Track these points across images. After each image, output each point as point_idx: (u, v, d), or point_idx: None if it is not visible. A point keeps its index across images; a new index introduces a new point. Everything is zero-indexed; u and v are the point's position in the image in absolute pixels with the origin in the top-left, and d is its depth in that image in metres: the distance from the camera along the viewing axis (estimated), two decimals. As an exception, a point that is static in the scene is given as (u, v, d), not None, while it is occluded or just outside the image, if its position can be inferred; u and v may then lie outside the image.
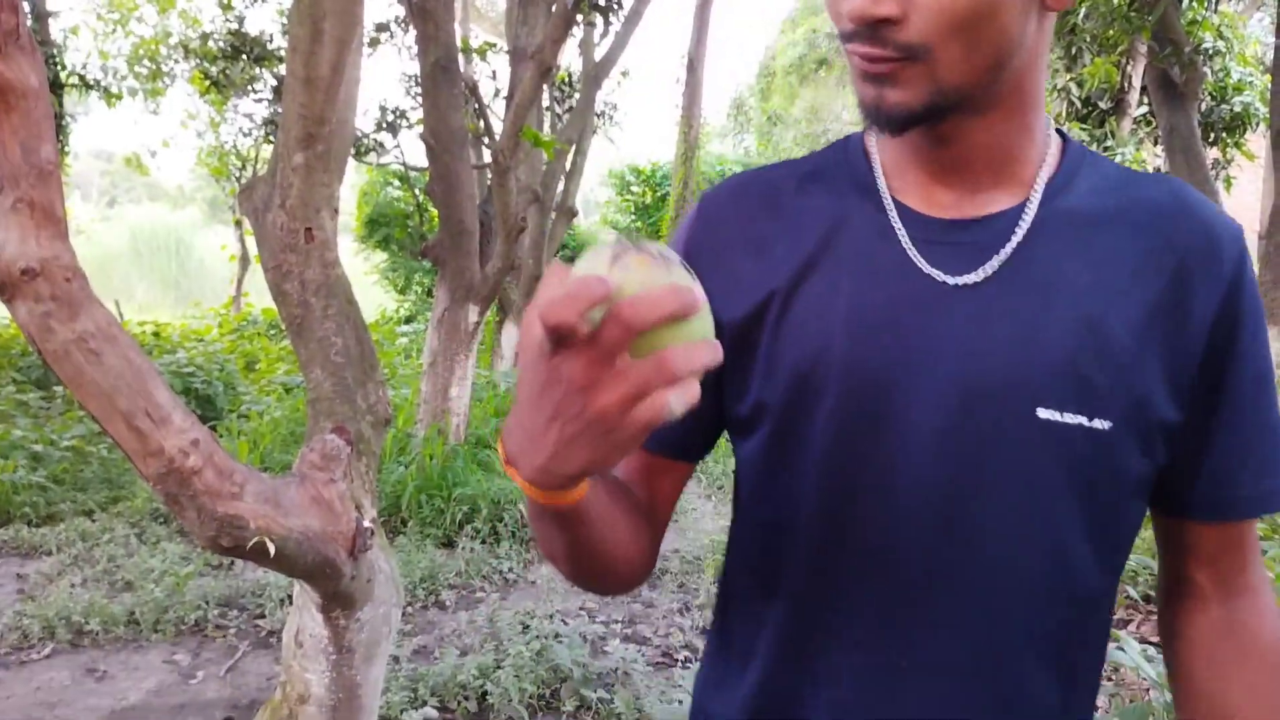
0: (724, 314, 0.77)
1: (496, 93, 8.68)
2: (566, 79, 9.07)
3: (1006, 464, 0.72)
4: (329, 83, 1.92)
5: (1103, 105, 9.22)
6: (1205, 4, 6.49)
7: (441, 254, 5.17)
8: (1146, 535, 4.08)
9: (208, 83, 10.91)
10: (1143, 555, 3.81)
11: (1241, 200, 10.25)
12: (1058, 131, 0.82)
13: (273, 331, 12.59)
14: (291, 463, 6.04)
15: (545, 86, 6.22)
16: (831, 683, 0.77)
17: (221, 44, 10.29)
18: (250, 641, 3.63)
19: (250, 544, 1.43)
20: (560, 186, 8.26)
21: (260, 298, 16.18)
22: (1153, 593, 3.68)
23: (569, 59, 9.79)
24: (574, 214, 9.15)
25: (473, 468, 5.20)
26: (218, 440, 1.37)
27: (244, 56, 9.69)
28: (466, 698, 3.08)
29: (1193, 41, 6.27)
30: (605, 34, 8.25)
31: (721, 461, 6.22)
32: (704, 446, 0.87)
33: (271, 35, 9.72)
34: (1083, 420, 0.71)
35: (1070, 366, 0.71)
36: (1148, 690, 3.02)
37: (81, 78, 10.37)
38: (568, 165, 8.31)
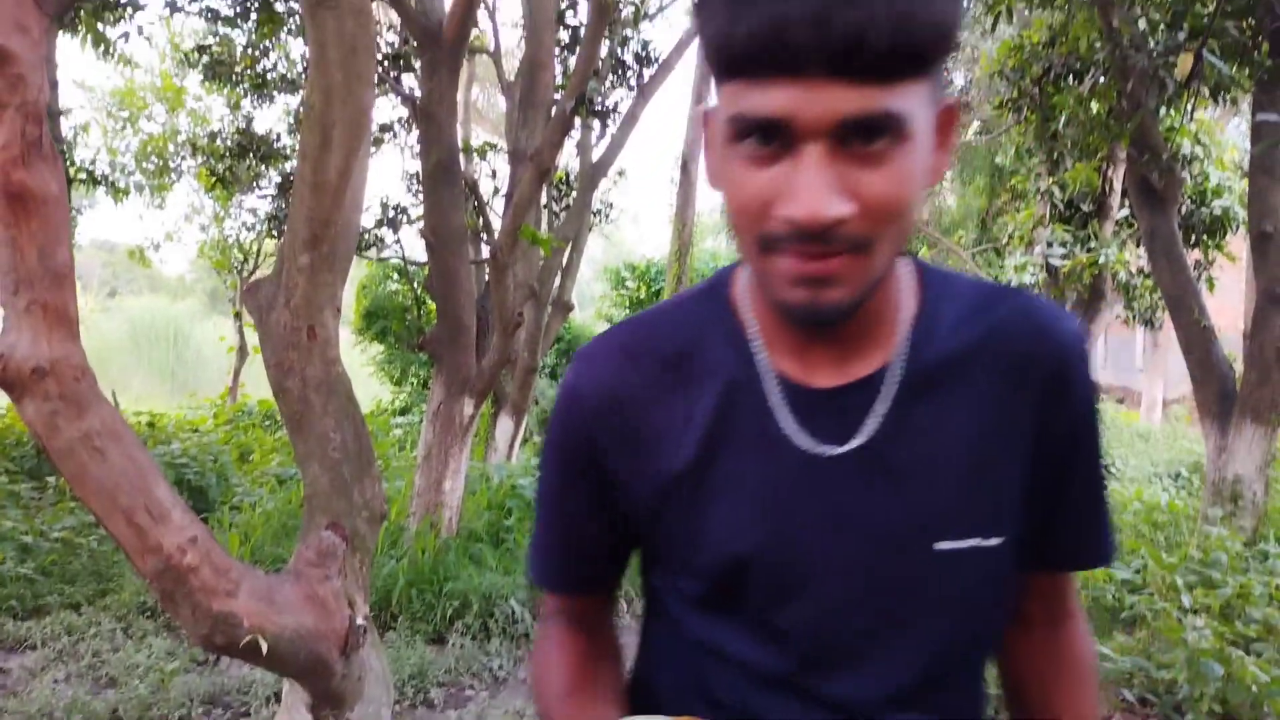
0: (634, 493, 0.84)
1: (495, 191, 8.89)
2: (564, 178, 9.30)
3: (913, 598, 0.80)
4: (336, 188, 2.00)
5: (1085, 208, 9.44)
6: (1182, 112, 6.71)
7: (439, 347, 5.23)
8: (1141, 636, 4.05)
9: (214, 179, 11.15)
10: (1136, 657, 3.78)
11: (1225, 300, 10.42)
12: (909, 254, 0.86)
13: (268, 422, 12.57)
14: (283, 556, 5.99)
15: (543, 186, 6.38)
16: None
17: (229, 142, 10.55)
18: (234, 741, 3.56)
19: (243, 642, 1.44)
20: (556, 282, 8.39)
21: (256, 388, 16.21)
22: (1149, 696, 3.64)
23: (567, 159, 10.05)
24: (570, 308, 9.28)
25: (464, 562, 5.17)
26: (214, 537, 1.39)
27: (251, 154, 9.93)
28: (453, 801, 3.02)
29: (1171, 148, 6.47)
30: (602, 136, 8.50)
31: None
32: (619, 577, 0.97)
33: (279, 134, 9.97)
34: (978, 541, 0.79)
35: (962, 503, 0.79)
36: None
37: (90, 173, 10.59)
38: (564, 261, 8.46)
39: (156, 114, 13.62)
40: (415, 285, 11.19)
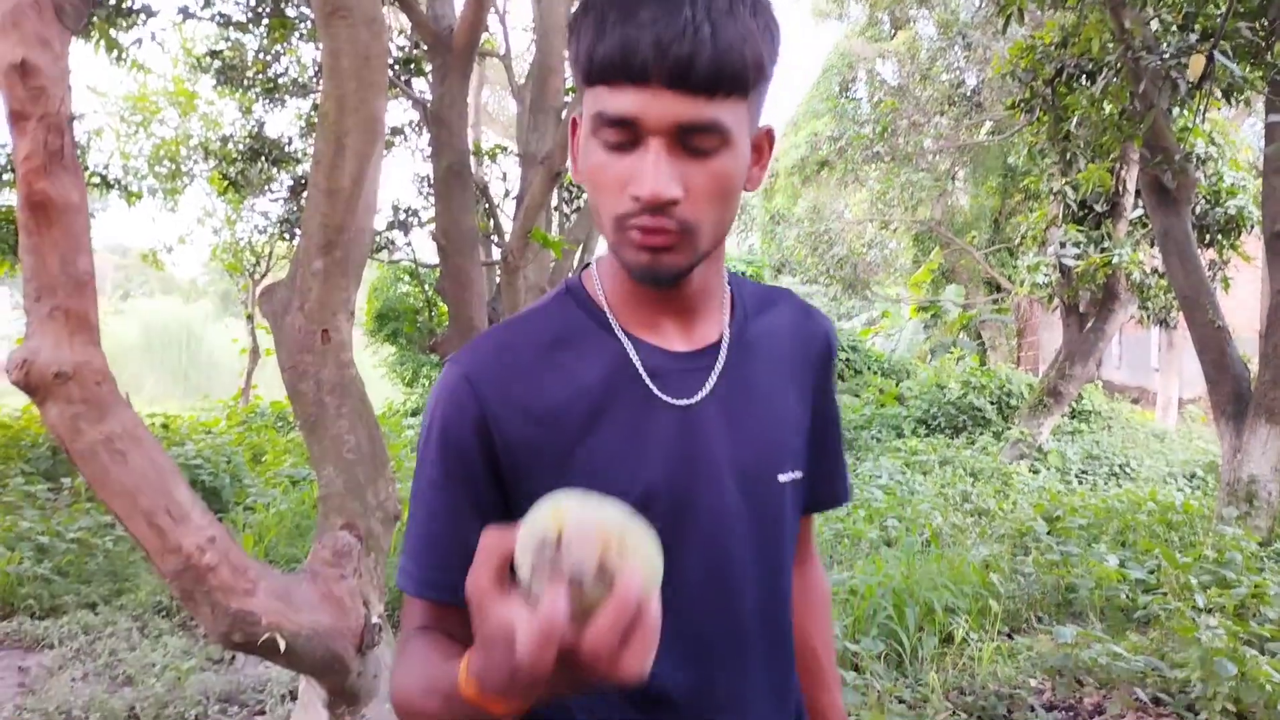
0: (531, 463, 0.92)
1: (506, 193, 8.92)
2: (575, 181, 9.31)
3: (773, 519, 1.01)
4: (349, 194, 2.03)
5: (1098, 208, 9.40)
6: (1195, 112, 6.69)
7: (450, 349, 5.26)
8: (1155, 635, 4.05)
9: (226, 183, 11.21)
10: (1149, 656, 3.78)
11: (1240, 300, 10.37)
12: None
13: (280, 424, 12.64)
14: (297, 556, 6.02)
15: (554, 189, 6.41)
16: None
17: (241, 146, 10.61)
18: (250, 740, 3.59)
19: (261, 640, 1.46)
20: (567, 284, 8.40)
21: (269, 390, 16.29)
22: (1163, 695, 3.64)
23: (577, 161, 10.03)
24: (581, 310, 9.28)
25: (477, 563, 5.19)
26: (233, 537, 1.41)
27: (262, 158, 9.98)
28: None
29: (1184, 148, 6.44)
30: (613, 138, 8.50)
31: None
32: None
33: (290, 138, 10.02)
34: (796, 475, 1.03)
35: (785, 440, 1.02)
36: None
37: (103, 177, 10.65)
38: (575, 263, 8.48)
39: (169, 118, 13.72)
40: (426, 287, 11.23)
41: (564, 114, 5.56)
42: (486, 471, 0.92)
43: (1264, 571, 4.89)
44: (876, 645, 3.96)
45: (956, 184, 17.42)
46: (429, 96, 5.55)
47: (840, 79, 18.10)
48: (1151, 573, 4.86)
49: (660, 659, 0.87)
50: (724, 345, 1.00)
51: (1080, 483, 9.38)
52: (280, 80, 9.40)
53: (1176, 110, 6.66)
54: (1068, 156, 8.38)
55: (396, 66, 7.26)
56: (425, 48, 5.71)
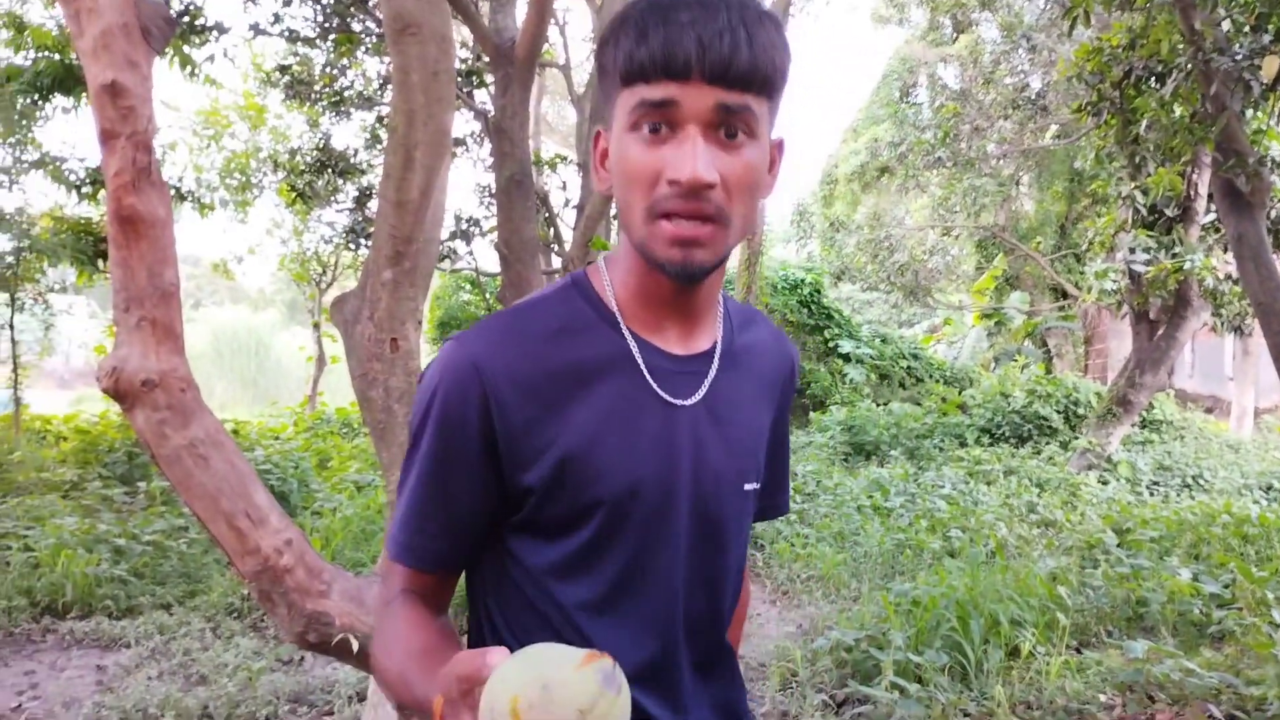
0: (534, 443, 0.96)
1: (566, 202, 8.98)
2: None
3: (738, 525, 1.08)
4: (418, 206, 2.07)
5: (1169, 213, 9.18)
6: (1270, 114, 6.50)
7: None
8: (1230, 651, 3.93)
9: (294, 194, 11.47)
10: (1223, 672, 3.68)
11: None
12: None
13: (345, 430, 12.88)
14: (362, 560, 6.11)
15: (614, 198, 6.45)
16: None
17: (308, 158, 10.86)
18: (318, 740, 3.67)
19: (335, 640, 1.50)
20: (627, 292, 8.43)
21: (334, 396, 16.61)
22: (1238, 713, 3.53)
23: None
24: (640, 318, 9.31)
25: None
26: (308, 540, 1.46)
27: (329, 170, 10.20)
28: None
29: (1258, 151, 6.27)
30: (672, 146, 8.52)
31: (786, 566, 6.16)
32: (478, 552, 1.05)
33: (356, 150, 10.22)
34: (756, 486, 1.10)
35: (755, 452, 1.09)
36: None
37: (177, 190, 10.98)
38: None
39: (239, 132, 14.08)
40: (488, 296, 11.36)
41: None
42: (483, 453, 0.95)
43: (1346, 587, 4.73)
44: (940, 658, 3.91)
45: (1021, 189, 17.14)
46: (490, 108, 5.63)
47: (901, 84, 17.93)
48: (1226, 587, 4.73)
49: (627, 643, 1.00)
50: (716, 354, 1.05)
51: (1151, 494, 9.15)
52: (346, 94, 9.61)
53: (1250, 112, 6.48)
54: (1137, 160, 8.20)
55: (459, 79, 7.38)
56: (488, 60, 5.79)
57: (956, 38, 17.33)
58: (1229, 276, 8.91)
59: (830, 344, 16.01)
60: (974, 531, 6.48)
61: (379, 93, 9.46)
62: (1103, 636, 4.56)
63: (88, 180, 8.83)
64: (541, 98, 13.92)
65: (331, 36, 8.28)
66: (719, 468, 1.03)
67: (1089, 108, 7.57)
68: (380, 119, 9.67)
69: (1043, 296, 17.38)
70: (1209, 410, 16.26)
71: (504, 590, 1.04)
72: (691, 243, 0.89)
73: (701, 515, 1.03)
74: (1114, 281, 9.41)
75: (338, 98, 9.59)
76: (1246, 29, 5.66)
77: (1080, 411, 11.40)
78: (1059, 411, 11.51)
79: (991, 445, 11.25)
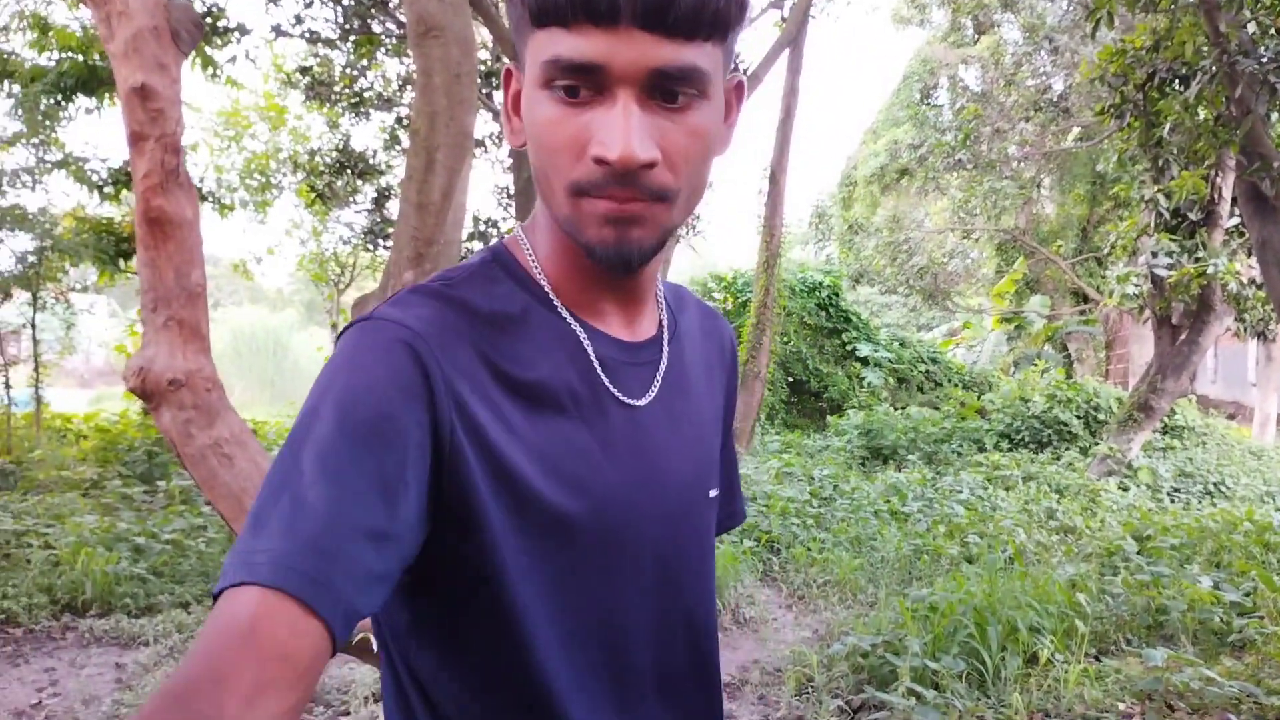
0: (478, 457, 0.73)
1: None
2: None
3: (705, 535, 0.92)
4: (440, 208, 2.08)
5: (1192, 216, 9.10)
6: (1296, 117, 6.44)
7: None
8: (1250, 660, 3.89)
9: (313, 195, 11.55)
10: (1244, 682, 3.64)
11: (1345, 312, 9.92)
12: None
13: (362, 430, 12.92)
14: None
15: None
16: None
17: (328, 159, 10.93)
18: (335, 739, 3.68)
19: (355, 640, 1.50)
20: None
21: (351, 397, 16.65)
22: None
23: (655, 172, 10.07)
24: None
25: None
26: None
27: (348, 170, 10.26)
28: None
29: (1283, 154, 6.21)
30: (690, 148, 8.54)
31: (802, 571, 6.14)
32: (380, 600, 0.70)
33: (375, 151, 10.28)
34: (717, 490, 0.94)
35: (712, 453, 0.94)
36: None
37: (198, 190, 11.08)
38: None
39: (260, 133, 14.20)
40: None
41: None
42: (415, 447, 0.69)
43: (1371, 597, 4.67)
44: (957, 664, 3.89)
45: (1042, 192, 17.05)
46: (511, 110, 5.64)
47: (921, 86, 17.87)
48: (1247, 595, 4.68)
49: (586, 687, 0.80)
50: (664, 342, 0.89)
51: (1172, 501, 9.08)
52: (366, 95, 9.66)
53: (1275, 115, 6.42)
54: (1160, 163, 8.13)
55: (479, 80, 7.40)
56: (507, 61, 5.81)
57: (978, 39, 17.27)
58: (1253, 281, 8.82)
59: (848, 347, 15.97)
60: (992, 537, 6.44)
61: (399, 94, 9.52)
62: (1122, 644, 4.53)
63: (110, 180, 8.92)
64: (560, 99, 13.95)
65: (352, 38, 8.33)
66: (683, 474, 0.87)
67: (1112, 110, 7.52)
68: (400, 120, 9.72)
69: (1063, 300, 17.29)
70: (1231, 416, 16.12)
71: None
72: (627, 220, 0.72)
73: (671, 536, 0.85)
74: (1136, 286, 9.34)
75: (357, 99, 9.65)
76: (1272, 31, 5.61)
77: (1101, 417, 11.33)
78: (1079, 417, 11.44)
79: (1010, 450, 11.19)
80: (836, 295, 16.23)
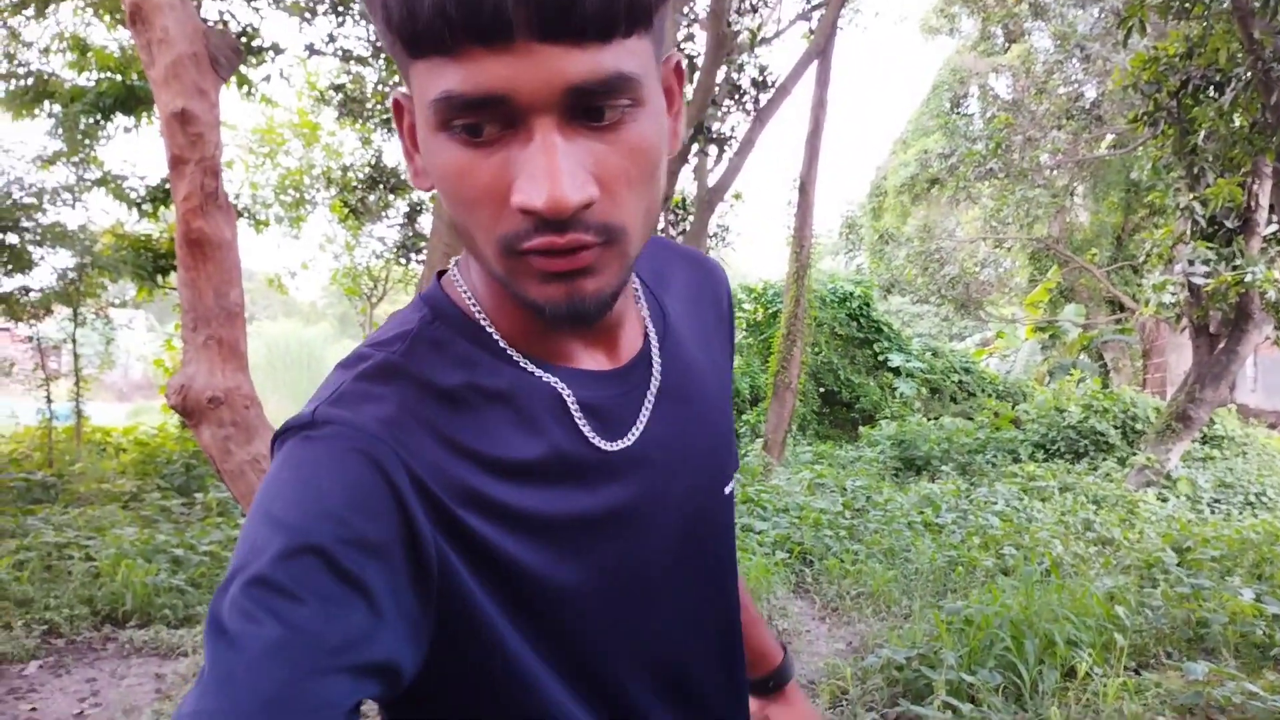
0: (473, 572, 0.64)
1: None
2: (681, 203, 9.39)
3: (725, 535, 0.83)
4: (471, 224, 2.11)
5: (1229, 224, 8.99)
6: (1334, 122, 6.35)
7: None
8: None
9: (346, 210, 11.68)
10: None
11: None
12: None
13: (395, 443, 13.02)
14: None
15: (661, 212, 6.49)
16: None
17: (360, 175, 11.06)
18: (370, 751, 3.70)
19: None
20: (674, 306, 8.46)
21: (384, 410, 16.79)
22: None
23: (684, 184, 10.14)
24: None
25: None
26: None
27: (380, 186, 10.38)
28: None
29: (1322, 160, 6.13)
30: (719, 161, 8.56)
31: (835, 583, 6.11)
32: None
33: (407, 166, 10.42)
34: (734, 486, 0.85)
35: (727, 448, 0.83)
36: None
37: (233, 206, 11.25)
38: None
39: (294, 149, 14.38)
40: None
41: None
42: (385, 585, 0.57)
43: None
44: (994, 678, 3.85)
45: (1075, 200, 16.89)
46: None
47: (951, 95, 17.80)
48: (1292, 609, 4.60)
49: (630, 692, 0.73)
50: (655, 353, 0.76)
51: (1213, 512, 8.93)
52: (398, 111, 9.75)
53: (1315, 121, 6.33)
54: (1195, 171, 8.04)
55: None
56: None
57: (1008, 48, 17.17)
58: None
59: (880, 358, 15.88)
60: (1028, 549, 6.37)
61: (430, 110, 9.61)
62: (1162, 658, 4.46)
63: (148, 198, 9.08)
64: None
65: (384, 55, 8.43)
66: (697, 496, 0.77)
67: (1145, 118, 7.46)
68: (431, 136, 9.82)
69: (1099, 309, 17.10)
70: (1272, 426, 15.83)
71: None
72: (575, 273, 0.59)
73: (688, 575, 0.77)
74: (1172, 294, 9.23)
75: (389, 115, 9.75)
76: (1309, 37, 5.54)
77: (1138, 427, 11.18)
78: (1116, 427, 11.29)
79: (1046, 461, 11.07)
80: (868, 305, 16.15)
